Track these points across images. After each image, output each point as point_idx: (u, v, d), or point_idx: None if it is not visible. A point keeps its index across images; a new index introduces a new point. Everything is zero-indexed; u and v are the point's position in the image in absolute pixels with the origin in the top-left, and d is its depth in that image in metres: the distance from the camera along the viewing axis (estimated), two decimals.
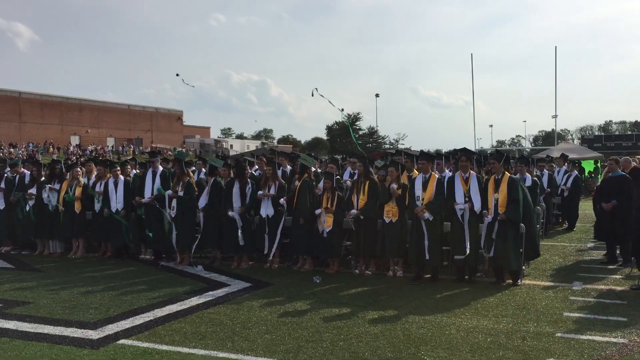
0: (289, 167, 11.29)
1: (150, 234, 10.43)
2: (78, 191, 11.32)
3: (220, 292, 8.11)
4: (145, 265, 10.46)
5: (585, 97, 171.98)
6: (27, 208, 11.65)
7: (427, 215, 8.69)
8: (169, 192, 10.34)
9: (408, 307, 7.25)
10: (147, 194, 10.59)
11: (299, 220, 9.69)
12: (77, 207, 11.29)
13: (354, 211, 9.39)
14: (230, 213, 9.92)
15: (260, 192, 10.02)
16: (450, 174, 9.47)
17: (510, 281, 8.53)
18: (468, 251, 8.48)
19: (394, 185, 9.15)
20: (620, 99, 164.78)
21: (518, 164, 11.89)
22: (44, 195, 11.38)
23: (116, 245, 11.20)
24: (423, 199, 8.78)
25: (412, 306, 7.29)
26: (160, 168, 10.87)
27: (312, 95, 16.11)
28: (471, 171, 8.86)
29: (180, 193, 10.29)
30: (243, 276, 9.23)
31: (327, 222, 9.44)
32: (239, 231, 9.85)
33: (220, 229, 10.18)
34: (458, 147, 10.18)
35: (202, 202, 10.24)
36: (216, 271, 9.68)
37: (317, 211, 9.54)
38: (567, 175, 15.72)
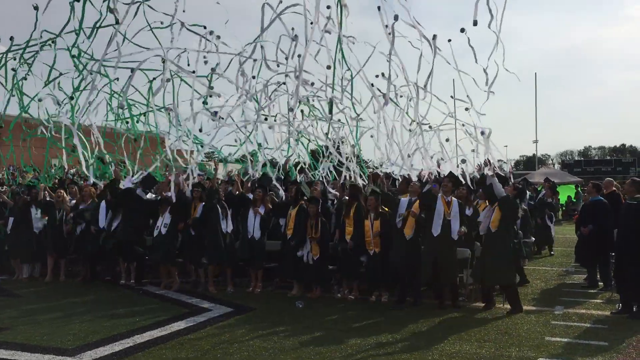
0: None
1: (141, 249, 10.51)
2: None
3: (201, 318, 8.03)
4: (126, 290, 10.30)
5: (564, 122, 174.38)
6: (8, 230, 11.40)
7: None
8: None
9: (391, 331, 7.22)
10: None
11: (289, 244, 9.61)
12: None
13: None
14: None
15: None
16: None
17: (502, 305, 8.55)
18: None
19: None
20: (598, 124, 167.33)
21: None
22: (38, 224, 11.30)
23: (93, 265, 11.05)
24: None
25: (395, 331, 7.26)
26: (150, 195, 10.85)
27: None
28: (453, 198, 8.91)
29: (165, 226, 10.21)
30: (225, 301, 9.13)
31: (313, 250, 9.41)
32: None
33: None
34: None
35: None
36: (198, 296, 9.56)
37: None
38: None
